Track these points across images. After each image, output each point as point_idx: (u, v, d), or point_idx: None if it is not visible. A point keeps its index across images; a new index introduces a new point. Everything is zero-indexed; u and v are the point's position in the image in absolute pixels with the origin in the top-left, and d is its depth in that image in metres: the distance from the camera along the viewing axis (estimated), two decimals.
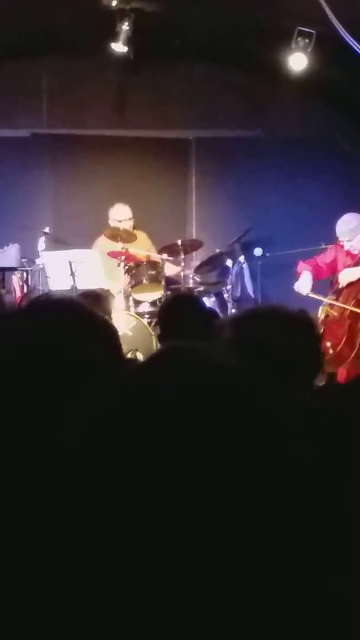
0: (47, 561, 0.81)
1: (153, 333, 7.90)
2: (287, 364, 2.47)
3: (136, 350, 7.56)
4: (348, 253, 7.81)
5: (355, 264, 7.74)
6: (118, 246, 8.61)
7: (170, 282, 8.77)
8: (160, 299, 8.39)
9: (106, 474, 0.80)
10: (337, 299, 7.76)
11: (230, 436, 0.82)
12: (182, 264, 8.85)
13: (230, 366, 0.90)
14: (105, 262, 8.41)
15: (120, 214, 9.09)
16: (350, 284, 7.70)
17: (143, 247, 9.04)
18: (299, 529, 0.82)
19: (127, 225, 9.05)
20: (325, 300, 7.75)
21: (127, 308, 8.52)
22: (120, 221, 9.00)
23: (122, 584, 0.78)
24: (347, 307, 7.62)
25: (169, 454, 0.80)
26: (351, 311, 7.63)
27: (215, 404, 0.84)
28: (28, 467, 0.90)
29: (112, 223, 9.06)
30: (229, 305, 8.90)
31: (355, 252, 7.76)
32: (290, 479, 0.83)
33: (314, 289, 7.83)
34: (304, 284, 7.80)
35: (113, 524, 0.79)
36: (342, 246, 7.83)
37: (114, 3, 8.26)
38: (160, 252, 8.92)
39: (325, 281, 8.04)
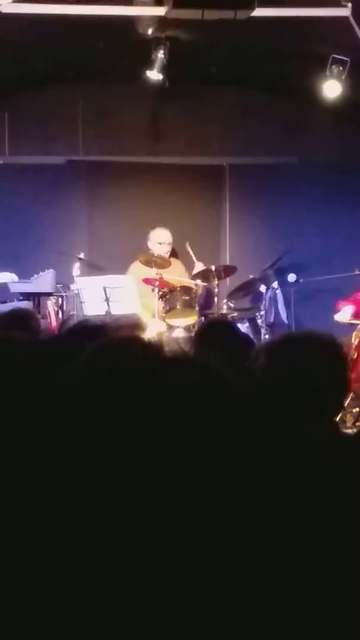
0: (29, 559, 0.79)
1: None
2: (317, 391, 2.49)
3: None
4: None
5: None
6: (152, 272, 8.65)
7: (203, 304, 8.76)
8: (193, 325, 8.40)
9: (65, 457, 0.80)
10: None
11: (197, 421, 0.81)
12: (216, 289, 8.87)
13: (196, 360, 0.89)
14: (140, 287, 8.45)
15: (162, 237, 9.20)
16: None
17: (177, 274, 9.07)
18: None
19: (166, 249, 9.14)
20: None
21: (161, 334, 8.53)
22: (160, 244, 9.09)
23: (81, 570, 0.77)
24: None
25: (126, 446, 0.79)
26: None
27: (176, 394, 0.83)
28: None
29: (152, 245, 9.14)
30: (263, 331, 8.88)
31: None
32: (251, 467, 0.82)
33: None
34: (343, 313, 7.78)
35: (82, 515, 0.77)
36: None
37: (149, 31, 8.34)
38: (193, 277, 8.95)
39: None
